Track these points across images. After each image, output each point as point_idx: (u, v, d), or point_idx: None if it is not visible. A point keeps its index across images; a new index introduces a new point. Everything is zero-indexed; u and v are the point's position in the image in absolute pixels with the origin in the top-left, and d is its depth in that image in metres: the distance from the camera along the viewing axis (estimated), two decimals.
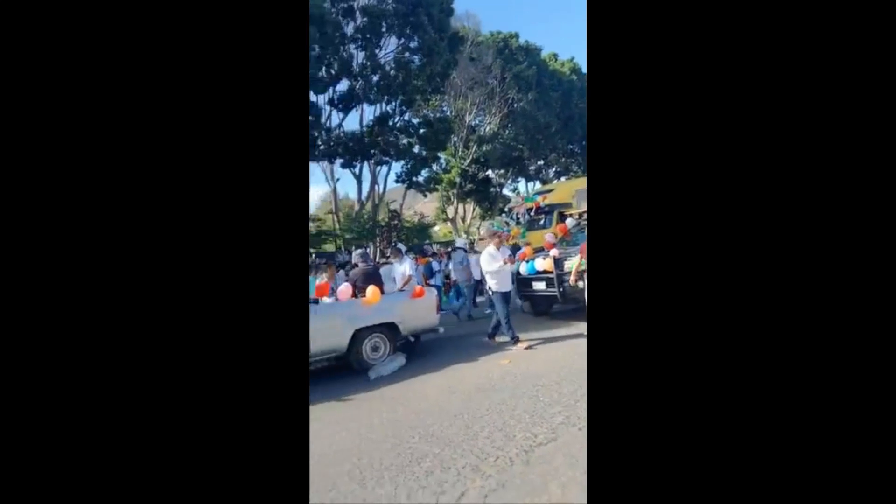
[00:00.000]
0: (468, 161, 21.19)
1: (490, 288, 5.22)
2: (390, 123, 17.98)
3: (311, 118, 16.09)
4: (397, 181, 20.85)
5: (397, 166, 20.13)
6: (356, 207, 20.83)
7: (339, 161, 18.96)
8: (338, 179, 21.98)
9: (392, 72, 16.65)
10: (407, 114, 18.57)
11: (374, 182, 20.24)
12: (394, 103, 17.67)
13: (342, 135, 17.88)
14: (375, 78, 16.74)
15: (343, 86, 17.05)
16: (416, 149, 18.93)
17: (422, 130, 18.65)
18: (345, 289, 5.07)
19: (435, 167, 21.40)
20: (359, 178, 20.30)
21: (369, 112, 19.41)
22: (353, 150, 17.89)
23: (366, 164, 18.90)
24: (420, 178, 20.73)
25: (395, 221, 19.10)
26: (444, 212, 23.67)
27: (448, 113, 20.60)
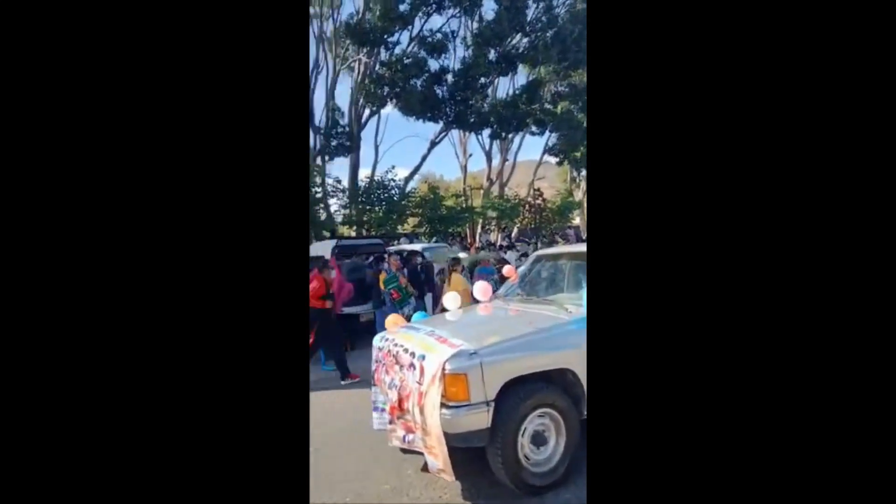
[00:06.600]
0: None
1: None
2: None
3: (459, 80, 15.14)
4: (550, 153, 18.51)
5: (532, 140, 17.09)
6: (484, 184, 19.38)
7: (486, 131, 16.92)
8: (470, 155, 20.92)
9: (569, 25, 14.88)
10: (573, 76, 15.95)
11: (504, 158, 18.87)
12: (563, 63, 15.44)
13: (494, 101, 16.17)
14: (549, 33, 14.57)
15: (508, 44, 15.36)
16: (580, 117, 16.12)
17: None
18: None
19: None
20: (489, 154, 19.28)
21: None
22: (504, 119, 15.50)
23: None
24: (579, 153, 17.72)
25: (539, 200, 16.83)
26: (570, 193, 20.20)
27: None
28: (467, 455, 2.64)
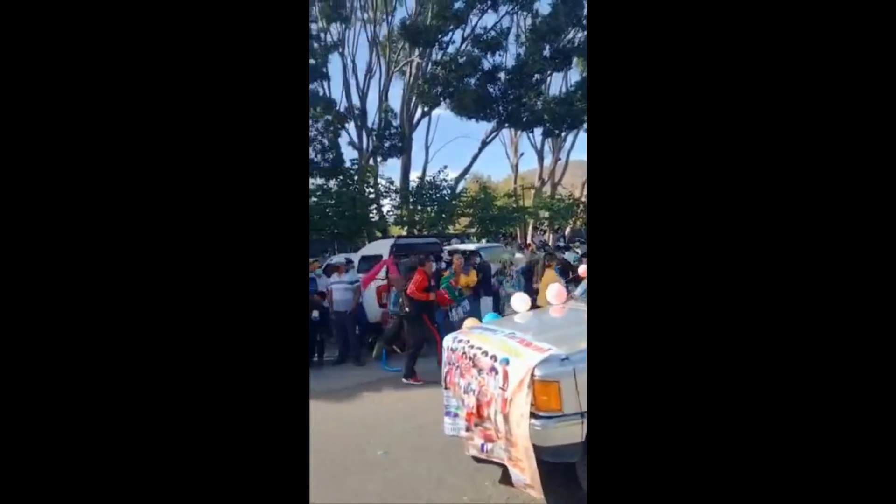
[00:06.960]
0: None
1: None
2: None
3: (509, 77, 15.15)
4: None
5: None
6: (536, 184, 19.76)
7: (539, 130, 17.30)
8: (521, 154, 20.85)
9: None
10: None
11: (556, 157, 19.50)
12: None
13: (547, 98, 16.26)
14: None
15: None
16: None
17: None
18: None
19: None
20: (540, 153, 19.59)
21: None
22: (558, 116, 15.66)
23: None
24: None
25: None
26: None
27: None
28: (552, 468, 2.42)
